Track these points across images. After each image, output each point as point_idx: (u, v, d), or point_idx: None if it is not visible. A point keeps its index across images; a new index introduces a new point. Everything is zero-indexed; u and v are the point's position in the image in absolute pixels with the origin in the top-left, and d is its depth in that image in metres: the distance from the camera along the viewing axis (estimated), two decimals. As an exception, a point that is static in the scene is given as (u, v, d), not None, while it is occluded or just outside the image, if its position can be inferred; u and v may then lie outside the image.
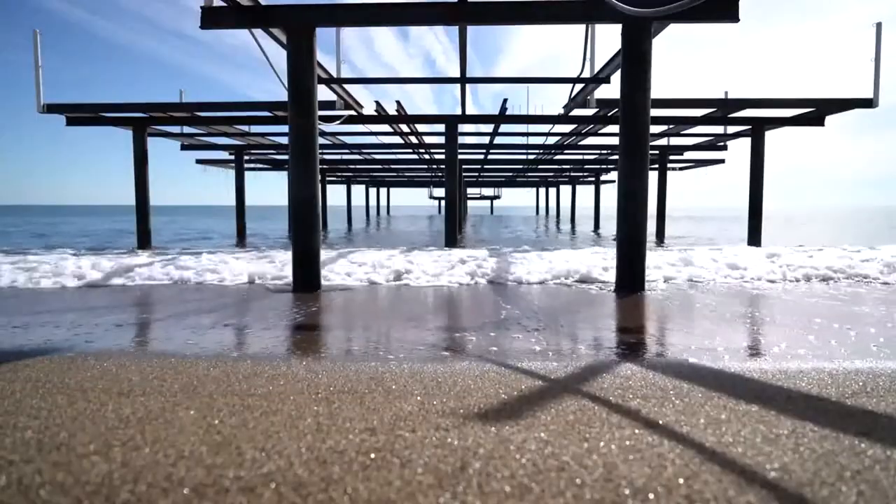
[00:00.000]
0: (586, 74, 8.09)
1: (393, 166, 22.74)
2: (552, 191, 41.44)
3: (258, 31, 6.21)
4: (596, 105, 9.53)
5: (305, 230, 6.37)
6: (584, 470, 1.63)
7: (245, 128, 13.49)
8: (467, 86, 9.87)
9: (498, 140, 15.33)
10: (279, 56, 6.48)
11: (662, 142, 15.93)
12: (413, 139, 14.54)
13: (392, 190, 44.48)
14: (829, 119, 11.91)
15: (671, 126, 12.94)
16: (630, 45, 6.16)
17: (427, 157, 18.63)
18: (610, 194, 27.27)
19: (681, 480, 1.57)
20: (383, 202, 45.91)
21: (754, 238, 12.71)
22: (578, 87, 9.15)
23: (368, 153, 18.21)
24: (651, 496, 1.48)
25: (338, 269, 7.33)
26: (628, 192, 6.26)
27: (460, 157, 17.32)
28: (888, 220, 33.73)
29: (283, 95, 6.53)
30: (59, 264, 7.51)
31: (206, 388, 2.46)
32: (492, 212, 55.79)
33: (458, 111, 11.86)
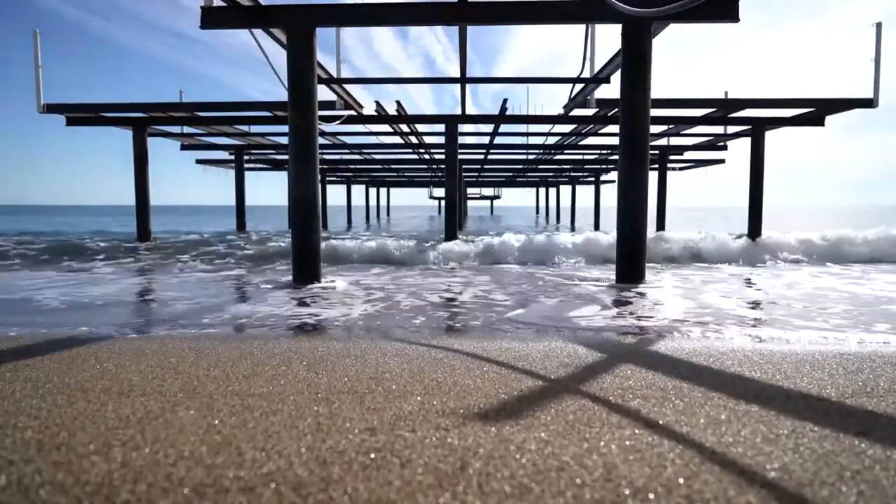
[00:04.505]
0: (586, 74, 8.10)
1: (393, 166, 22.74)
2: (552, 191, 41.43)
3: (258, 31, 6.21)
4: (596, 105, 9.54)
5: (306, 229, 6.38)
6: (584, 470, 1.63)
7: (245, 128, 13.49)
8: (467, 86, 9.87)
9: (498, 140, 15.34)
10: (279, 56, 6.48)
11: (662, 142, 15.94)
12: (413, 139, 14.54)
13: (392, 190, 44.45)
14: (829, 119, 11.92)
15: (671, 126, 12.94)
16: (630, 45, 6.16)
17: (427, 157, 18.63)
18: (610, 194, 27.25)
19: (681, 480, 1.57)
20: (383, 202, 45.92)
21: (754, 238, 12.70)
22: (578, 87, 9.15)
23: (368, 153, 18.21)
24: (651, 496, 1.48)
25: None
26: (628, 192, 6.27)
27: (460, 157, 17.32)
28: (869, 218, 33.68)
29: (283, 95, 6.54)
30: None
31: (206, 388, 2.46)
32: (492, 212, 55.79)
33: (458, 111, 11.86)
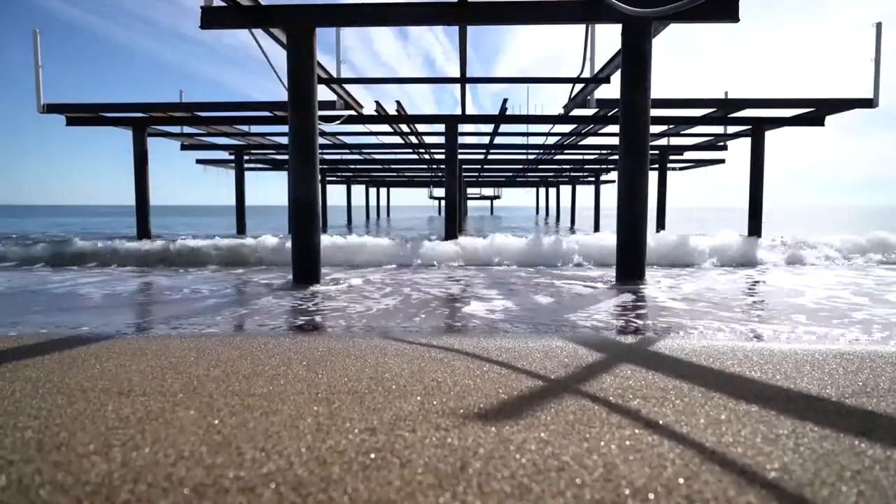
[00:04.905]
0: (586, 74, 8.10)
1: (393, 166, 22.74)
2: (552, 191, 41.44)
3: (258, 31, 6.21)
4: (596, 105, 9.53)
5: (305, 229, 6.38)
6: (584, 470, 1.63)
7: (245, 128, 13.49)
8: (467, 86, 9.87)
9: (498, 140, 15.33)
10: (279, 56, 6.48)
11: (662, 142, 15.93)
12: (413, 139, 14.54)
13: (392, 190, 44.44)
14: (829, 119, 11.92)
15: (671, 126, 12.94)
16: (630, 45, 6.16)
17: (427, 157, 18.63)
18: (610, 194, 27.22)
19: (681, 480, 1.57)
20: (383, 202, 45.97)
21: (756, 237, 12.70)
22: (578, 87, 9.15)
23: (368, 153, 18.21)
24: (651, 496, 1.48)
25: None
26: (628, 192, 6.27)
27: (460, 157, 17.32)
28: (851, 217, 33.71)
29: (283, 95, 6.54)
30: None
31: (206, 388, 2.46)
32: (492, 212, 55.87)
33: (458, 111, 11.86)
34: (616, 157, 17.73)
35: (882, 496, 1.49)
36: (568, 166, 23.50)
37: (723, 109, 11.17)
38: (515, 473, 1.61)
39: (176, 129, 13.38)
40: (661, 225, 17.21)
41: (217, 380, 2.59)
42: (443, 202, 32.45)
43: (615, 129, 11.95)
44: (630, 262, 6.40)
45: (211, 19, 5.93)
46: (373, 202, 40.45)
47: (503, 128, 13.41)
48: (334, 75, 8.44)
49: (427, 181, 34.38)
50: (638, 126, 6.18)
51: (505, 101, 10.79)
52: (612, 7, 4.89)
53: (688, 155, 18.42)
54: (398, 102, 10.85)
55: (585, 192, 35.92)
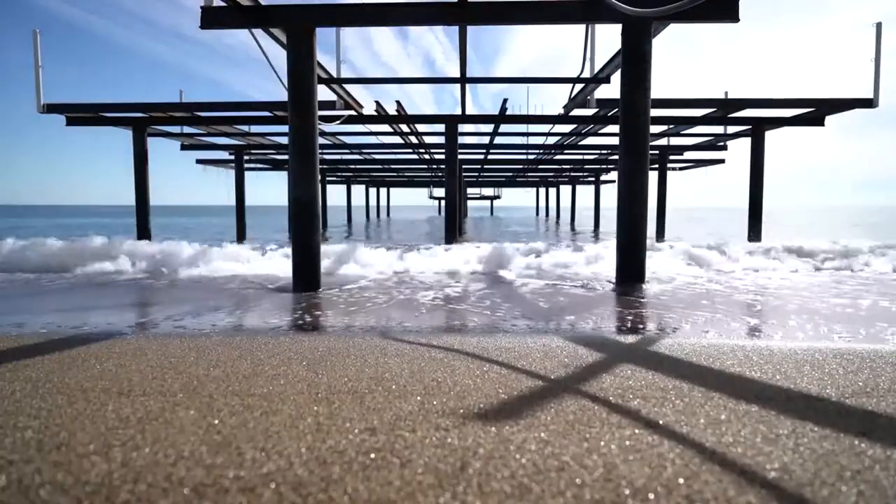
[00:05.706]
0: (586, 74, 8.09)
1: (393, 166, 22.74)
2: (552, 191, 41.46)
3: (258, 31, 6.21)
4: (596, 105, 9.53)
5: (305, 230, 6.37)
6: (584, 470, 1.63)
7: (245, 128, 13.49)
8: (467, 86, 9.87)
9: (498, 140, 15.33)
10: (279, 56, 6.48)
11: (662, 142, 15.93)
12: (413, 139, 14.54)
13: (392, 190, 44.45)
14: (829, 119, 11.91)
15: (671, 126, 12.94)
16: (630, 45, 6.16)
17: (427, 157, 18.63)
18: (610, 194, 27.20)
19: (681, 480, 1.57)
20: (383, 202, 45.99)
21: (754, 238, 12.71)
22: (578, 87, 9.15)
23: (368, 153, 18.21)
24: (651, 496, 1.48)
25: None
26: (628, 192, 6.27)
27: (460, 157, 17.32)
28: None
29: (282, 95, 6.53)
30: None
31: (206, 388, 2.46)
32: (492, 212, 55.89)
33: (458, 111, 11.86)
34: (616, 157, 17.73)
35: (882, 496, 1.49)
36: (568, 166, 23.50)
37: (723, 109, 11.16)
38: (515, 473, 1.61)
39: (176, 129, 13.38)
40: (661, 228, 17.16)
41: (217, 380, 2.59)
42: (443, 202, 32.46)
43: (615, 129, 11.95)
44: (630, 264, 6.39)
45: (211, 19, 5.92)
46: (373, 202, 40.47)
47: (503, 128, 13.41)
48: (334, 75, 8.44)
49: (427, 181, 34.39)
50: (638, 126, 6.18)
51: (505, 101, 10.79)
52: (612, 7, 4.89)
53: (688, 155, 18.42)
54: (398, 102, 10.85)
55: (585, 192, 35.97)
